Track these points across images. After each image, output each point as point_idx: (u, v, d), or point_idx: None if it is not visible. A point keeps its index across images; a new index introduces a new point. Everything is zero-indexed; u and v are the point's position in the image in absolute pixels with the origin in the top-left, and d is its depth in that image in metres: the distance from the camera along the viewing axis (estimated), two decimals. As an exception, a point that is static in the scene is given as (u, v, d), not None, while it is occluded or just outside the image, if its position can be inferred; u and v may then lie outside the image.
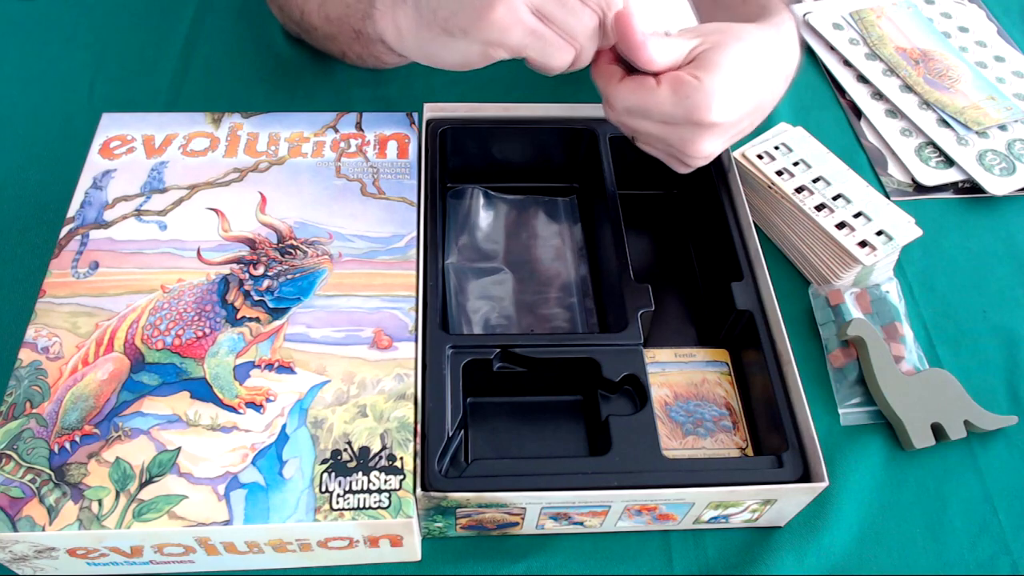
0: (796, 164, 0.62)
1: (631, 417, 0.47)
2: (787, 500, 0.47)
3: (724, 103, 0.46)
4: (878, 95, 0.75)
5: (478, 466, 0.45)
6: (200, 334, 0.49)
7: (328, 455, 0.44)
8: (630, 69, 0.47)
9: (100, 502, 0.42)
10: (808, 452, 0.46)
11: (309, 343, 0.49)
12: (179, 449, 0.44)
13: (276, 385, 0.47)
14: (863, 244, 0.58)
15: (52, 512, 0.42)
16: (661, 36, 0.47)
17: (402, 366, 0.48)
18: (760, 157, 0.63)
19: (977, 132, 0.71)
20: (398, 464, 0.44)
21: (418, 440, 0.45)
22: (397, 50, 0.53)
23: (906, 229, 0.59)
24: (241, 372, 0.47)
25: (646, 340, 0.51)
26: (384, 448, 0.45)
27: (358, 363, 0.48)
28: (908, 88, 0.75)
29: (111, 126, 0.59)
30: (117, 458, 0.44)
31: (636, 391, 0.50)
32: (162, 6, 0.79)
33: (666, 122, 0.47)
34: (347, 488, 0.43)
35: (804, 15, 0.82)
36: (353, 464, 0.44)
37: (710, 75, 0.45)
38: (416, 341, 0.49)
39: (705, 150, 0.48)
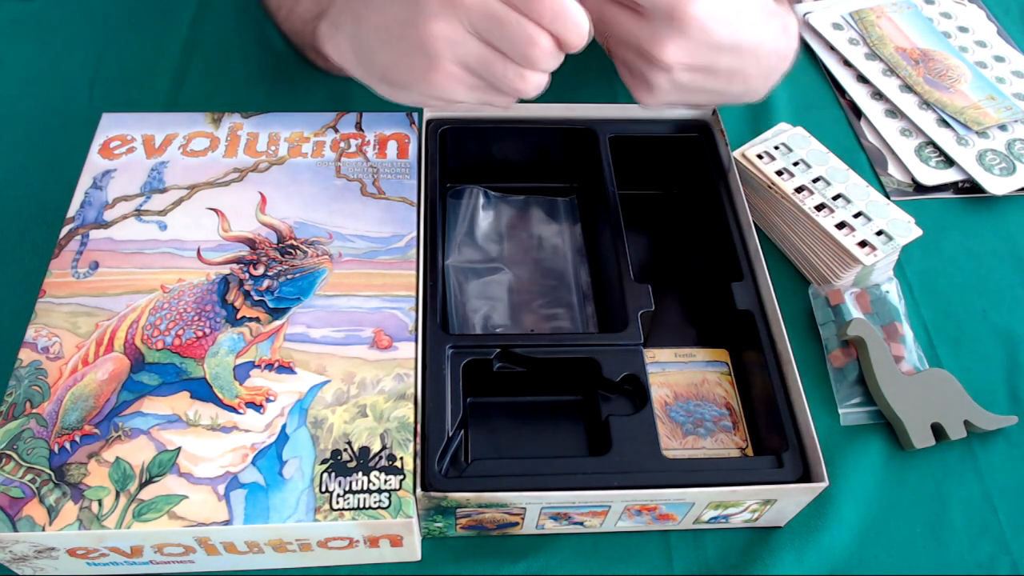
0: (796, 164, 0.62)
1: (631, 417, 0.47)
2: (787, 500, 0.47)
3: (709, 2, 0.42)
4: (878, 95, 0.75)
5: (478, 466, 0.45)
6: (200, 334, 0.49)
7: (328, 455, 0.44)
8: None
9: (100, 502, 0.42)
10: (808, 452, 0.46)
11: (309, 343, 0.49)
12: (179, 449, 0.44)
13: (276, 385, 0.47)
14: (863, 244, 0.58)
15: (52, 512, 0.42)
16: None
17: (402, 366, 0.48)
18: (760, 157, 0.63)
19: (977, 132, 0.71)
20: (398, 464, 0.44)
21: (418, 440, 0.45)
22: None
23: (906, 229, 0.59)
24: (241, 372, 0.47)
25: (646, 340, 0.51)
26: (384, 448, 0.45)
27: (358, 363, 0.48)
28: (908, 88, 0.75)
29: (111, 126, 0.59)
30: (117, 458, 0.44)
31: (636, 391, 0.50)
32: (162, 6, 0.79)
33: (640, 10, 0.43)
34: (347, 488, 0.43)
35: (804, 15, 0.82)
36: (353, 464, 0.44)
37: None
38: (416, 341, 0.49)
39: (670, 55, 0.44)
